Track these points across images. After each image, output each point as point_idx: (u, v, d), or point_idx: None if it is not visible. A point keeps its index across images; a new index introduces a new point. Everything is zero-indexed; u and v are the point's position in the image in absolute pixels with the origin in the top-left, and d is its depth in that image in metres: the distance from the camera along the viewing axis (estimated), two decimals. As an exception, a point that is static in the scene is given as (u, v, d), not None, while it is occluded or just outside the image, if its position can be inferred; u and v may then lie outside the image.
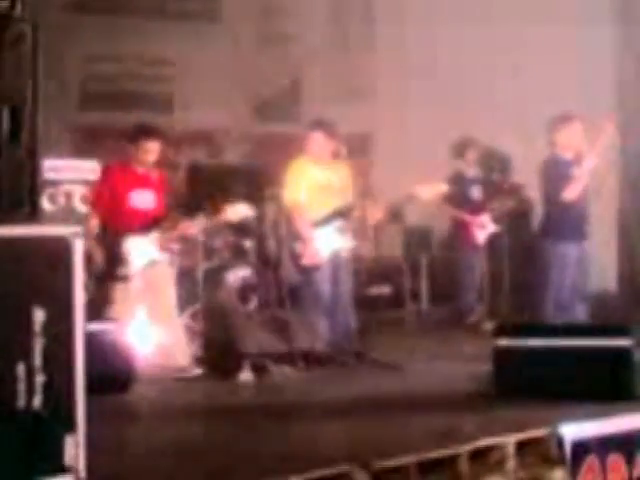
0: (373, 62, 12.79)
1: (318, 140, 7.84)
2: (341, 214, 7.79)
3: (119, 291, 7.27)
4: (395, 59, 12.39)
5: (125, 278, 7.27)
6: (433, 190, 7.79)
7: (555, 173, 8.14)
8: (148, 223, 7.47)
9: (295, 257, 7.75)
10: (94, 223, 7.44)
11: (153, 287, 7.38)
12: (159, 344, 7.27)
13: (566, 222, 8.06)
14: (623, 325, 6.41)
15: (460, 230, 10.64)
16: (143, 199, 7.51)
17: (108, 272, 7.27)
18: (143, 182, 7.54)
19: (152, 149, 7.52)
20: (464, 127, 11.31)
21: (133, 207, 7.47)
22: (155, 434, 5.37)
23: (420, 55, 12.31)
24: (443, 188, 7.89)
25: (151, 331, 7.29)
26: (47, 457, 3.90)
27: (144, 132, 7.55)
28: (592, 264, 8.47)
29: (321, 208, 7.77)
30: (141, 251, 7.35)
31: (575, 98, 11.10)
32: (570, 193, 8.03)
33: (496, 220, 10.55)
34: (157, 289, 7.39)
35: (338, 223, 7.77)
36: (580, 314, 8.06)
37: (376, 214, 7.87)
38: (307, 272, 7.75)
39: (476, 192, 10.77)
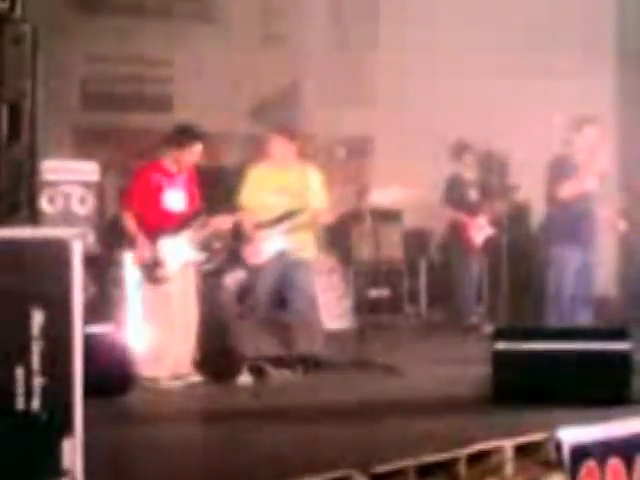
0: (373, 64, 12.79)
1: (278, 144, 7.93)
2: (291, 216, 7.83)
3: (155, 293, 7.24)
4: (396, 61, 12.38)
5: (163, 280, 7.23)
6: (390, 195, 7.88)
7: (560, 172, 8.07)
8: (181, 223, 7.41)
9: (242, 257, 7.84)
10: (131, 224, 7.34)
11: (182, 289, 7.35)
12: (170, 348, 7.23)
13: (568, 224, 8.00)
14: (622, 328, 6.41)
15: (458, 232, 10.66)
16: (175, 199, 7.46)
17: (146, 274, 7.23)
18: (175, 182, 7.49)
19: (197, 151, 7.50)
20: (464, 130, 11.31)
21: (167, 208, 7.41)
22: (153, 437, 5.36)
23: (421, 57, 12.30)
24: (399, 194, 7.96)
25: (168, 335, 7.23)
26: (45, 460, 3.88)
27: (193, 135, 7.51)
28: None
29: (276, 210, 7.85)
30: (177, 252, 7.30)
31: (575, 99, 11.12)
32: (566, 190, 7.96)
33: (493, 222, 10.59)
34: (185, 292, 7.36)
35: (287, 225, 7.82)
36: (584, 318, 8.00)
37: (327, 217, 7.97)
38: (252, 272, 7.81)
39: (473, 194, 10.80)
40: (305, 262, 7.86)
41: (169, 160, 7.44)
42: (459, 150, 10.88)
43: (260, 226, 7.82)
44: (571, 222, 8.02)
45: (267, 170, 7.99)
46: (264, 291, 7.78)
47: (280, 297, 7.91)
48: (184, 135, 7.49)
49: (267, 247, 7.77)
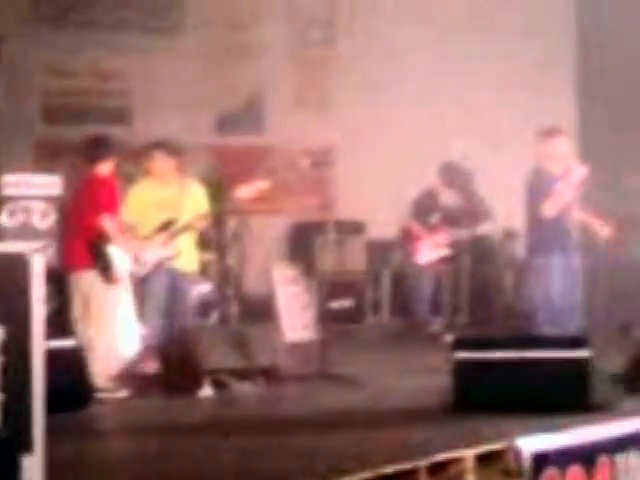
0: (336, 74, 12.82)
1: (158, 159, 8.01)
2: (169, 228, 7.92)
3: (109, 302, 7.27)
4: (358, 71, 12.42)
5: (116, 281, 7.26)
6: (251, 189, 7.95)
7: (538, 187, 8.02)
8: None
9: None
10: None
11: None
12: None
13: (550, 236, 7.93)
14: (581, 336, 6.46)
15: (409, 243, 10.69)
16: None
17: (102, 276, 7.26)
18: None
19: (109, 165, 7.58)
20: (427, 140, 11.37)
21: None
22: (113, 451, 5.35)
23: (383, 66, 12.36)
24: (261, 185, 8.09)
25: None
26: (5, 476, 3.87)
27: (103, 148, 7.58)
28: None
29: (156, 223, 7.93)
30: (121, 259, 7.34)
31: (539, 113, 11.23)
32: (549, 209, 7.90)
33: (450, 245, 10.61)
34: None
35: (166, 237, 7.90)
36: (571, 325, 7.93)
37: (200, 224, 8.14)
38: (141, 283, 7.87)
39: (436, 217, 10.75)
40: (188, 275, 7.98)
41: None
42: (445, 172, 10.77)
43: (145, 238, 7.87)
44: (554, 233, 7.94)
45: (147, 187, 8.10)
46: (154, 302, 7.82)
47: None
48: (94, 148, 7.52)
49: (149, 259, 7.82)
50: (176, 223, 7.92)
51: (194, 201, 8.08)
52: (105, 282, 7.19)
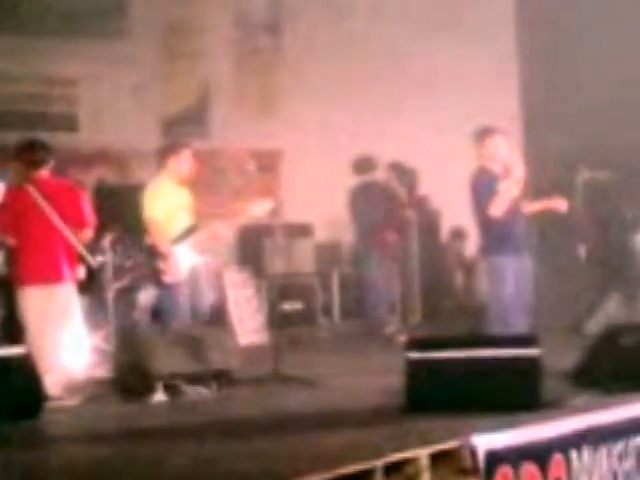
0: (282, 78, 12.84)
1: (185, 159, 7.94)
2: (193, 231, 7.91)
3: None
4: (304, 75, 12.45)
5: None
6: (262, 207, 8.14)
7: (482, 186, 8.02)
8: None
9: (157, 274, 7.85)
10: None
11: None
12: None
13: (501, 235, 7.93)
14: (531, 335, 6.51)
15: (373, 239, 10.79)
16: None
17: None
18: None
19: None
20: (373, 143, 11.41)
21: None
22: (65, 459, 5.29)
23: (329, 70, 12.40)
24: (269, 205, 8.11)
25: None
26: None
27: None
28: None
29: (177, 226, 7.90)
30: None
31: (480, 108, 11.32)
32: (495, 208, 7.90)
33: (401, 230, 10.80)
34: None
35: (191, 240, 7.89)
36: (522, 323, 7.95)
37: (224, 232, 8.30)
38: (167, 288, 7.85)
39: (382, 204, 10.92)
40: (206, 274, 8.06)
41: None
42: (365, 164, 10.98)
43: (172, 242, 7.84)
44: (503, 233, 7.94)
45: (169, 185, 8.01)
46: (185, 307, 7.80)
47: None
48: (33, 152, 7.34)
49: (182, 263, 7.79)
50: (198, 228, 7.91)
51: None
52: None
